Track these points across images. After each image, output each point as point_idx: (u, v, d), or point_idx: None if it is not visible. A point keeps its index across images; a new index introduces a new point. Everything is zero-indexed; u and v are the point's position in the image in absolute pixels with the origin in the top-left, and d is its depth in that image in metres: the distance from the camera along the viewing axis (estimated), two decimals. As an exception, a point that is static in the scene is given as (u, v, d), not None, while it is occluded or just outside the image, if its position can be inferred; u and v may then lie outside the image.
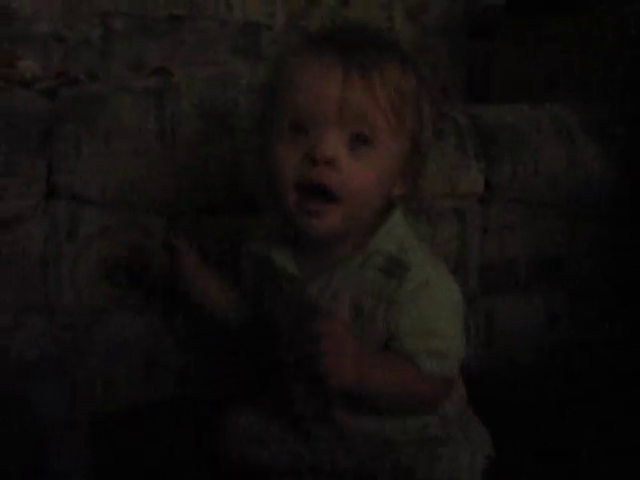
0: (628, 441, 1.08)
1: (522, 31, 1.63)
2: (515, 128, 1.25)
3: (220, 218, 1.10)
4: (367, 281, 0.79)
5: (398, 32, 1.77)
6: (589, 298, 1.30)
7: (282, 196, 0.77)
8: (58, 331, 1.08)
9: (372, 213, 0.80)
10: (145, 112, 1.08)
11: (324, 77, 0.74)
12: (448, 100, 1.67)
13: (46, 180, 1.04)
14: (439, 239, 1.20)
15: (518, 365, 1.25)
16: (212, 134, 1.08)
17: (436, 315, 0.79)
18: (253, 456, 0.90)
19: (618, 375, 1.24)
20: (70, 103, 1.10)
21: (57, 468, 0.86)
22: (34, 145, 1.04)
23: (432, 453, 0.84)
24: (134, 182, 1.06)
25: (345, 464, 0.85)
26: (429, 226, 1.19)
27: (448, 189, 1.19)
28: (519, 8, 1.61)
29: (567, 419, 1.15)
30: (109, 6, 1.60)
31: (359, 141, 0.75)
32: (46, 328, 1.08)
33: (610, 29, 1.46)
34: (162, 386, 1.12)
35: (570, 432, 1.11)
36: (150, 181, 1.06)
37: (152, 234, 1.07)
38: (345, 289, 0.80)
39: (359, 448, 0.84)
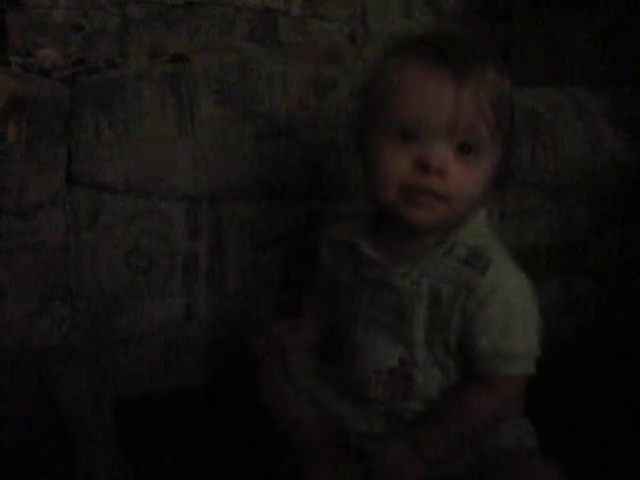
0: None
1: (541, 14, 1.62)
2: (535, 111, 1.24)
3: (239, 204, 1.10)
4: (448, 270, 0.81)
5: (415, 17, 1.77)
6: (612, 285, 1.29)
7: (385, 192, 0.79)
8: (80, 318, 1.09)
9: (469, 212, 0.83)
10: (163, 98, 1.07)
11: (437, 89, 0.76)
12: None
13: (66, 167, 1.05)
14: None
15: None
16: (231, 119, 1.08)
17: (514, 313, 0.80)
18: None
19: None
20: (89, 90, 1.09)
21: (81, 454, 0.87)
22: (54, 133, 1.04)
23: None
24: (153, 169, 1.06)
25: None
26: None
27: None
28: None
29: (586, 406, 1.14)
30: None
31: (465, 150, 0.78)
32: (68, 314, 1.09)
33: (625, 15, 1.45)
34: (185, 372, 1.13)
35: (587, 418, 1.10)
36: (169, 167, 1.06)
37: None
38: (426, 277, 0.82)
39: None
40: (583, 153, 1.22)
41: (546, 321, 1.26)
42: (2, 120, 0.98)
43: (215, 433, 1.04)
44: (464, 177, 0.78)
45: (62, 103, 1.07)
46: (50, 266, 1.07)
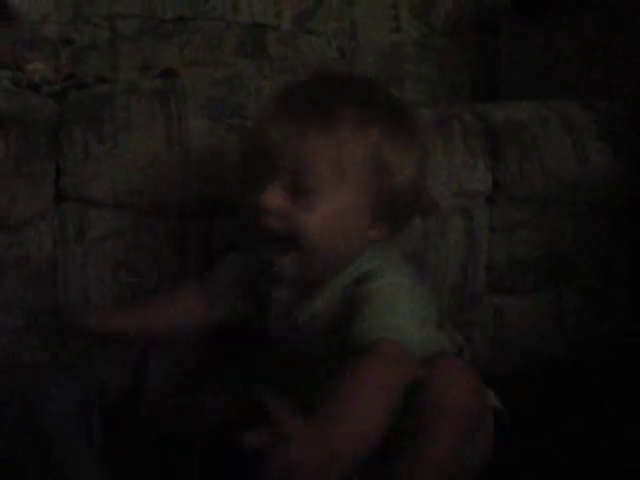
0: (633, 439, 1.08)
1: (527, 27, 1.63)
2: (522, 126, 1.25)
3: (228, 219, 1.10)
4: (341, 292, 0.85)
5: (404, 31, 1.78)
6: (599, 297, 1.30)
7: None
8: (67, 332, 1.09)
9: (344, 252, 0.85)
10: (152, 113, 1.08)
11: (269, 131, 0.82)
12: (457, 99, 1.68)
13: (55, 182, 1.05)
14: (447, 238, 1.20)
15: (525, 364, 1.25)
16: (219, 134, 1.09)
17: (391, 313, 0.79)
18: None
19: (628, 374, 1.24)
20: (78, 106, 1.10)
21: (67, 471, 0.87)
22: (43, 148, 1.04)
23: None
24: (142, 184, 1.06)
25: None
26: (437, 225, 1.19)
27: (456, 188, 1.19)
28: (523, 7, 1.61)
29: (574, 418, 1.15)
30: (116, 9, 1.61)
31: (302, 191, 0.80)
32: (56, 329, 1.09)
33: (612, 27, 1.47)
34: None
35: (576, 429, 1.11)
36: (158, 182, 1.06)
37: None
38: (324, 308, 0.86)
39: None
40: (570, 167, 1.23)
41: (535, 334, 1.28)
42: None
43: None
44: (303, 216, 0.81)
45: (50, 118, 1.08)
46: (38, 280, 1.07)
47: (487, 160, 1.21)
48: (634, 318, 1.30)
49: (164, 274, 1.09)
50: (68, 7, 1.59)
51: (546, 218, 1.24)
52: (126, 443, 1.00)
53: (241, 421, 0.90)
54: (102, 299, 1.09)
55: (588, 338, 1.31)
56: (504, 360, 1.25)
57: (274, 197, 0.81)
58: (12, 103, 1.09)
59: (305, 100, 0.83)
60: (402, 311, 0.80)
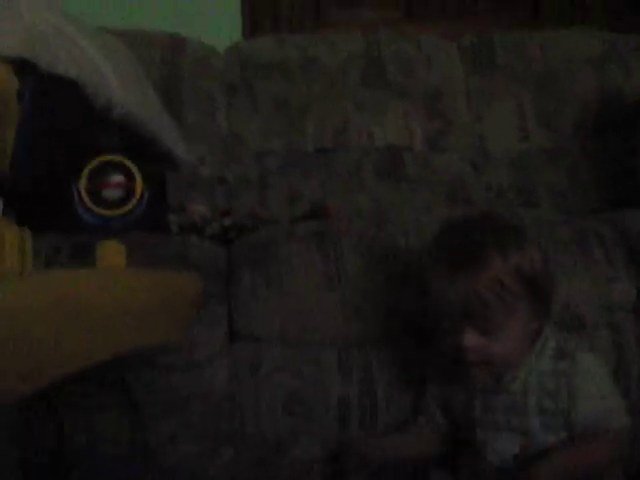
0: None
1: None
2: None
3: (387, 347, 1.19)
4: (544, 367, 1.06)
5: (532, 140, 1.84)
6: None
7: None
8: (244, 461, 1.19)
9: (522, 352, 1.06)
10: (311, 255, 1.19)
11: (444, 292, 1.02)
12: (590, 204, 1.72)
13: (227, 324, 1.17)
14: (596, 351, 1.23)
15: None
16: (372, 270, 1.18)
17: (601, 385, 1.06)
18: None
19: None
20: (243, 251, 1.23)
21: None
22: (215, 293, 1.17)
23: None
24: (306, 320, 1.16)
25: None
26: (584, 341, 1.22)
27: (602, 301, 1.23)
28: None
29: None
30: (263, 147, 1.76)
31: (490, 328, 1.01)
32: (234, 457, 1.19)
33: None
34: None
35: None
36: (320, 318, 1.16)
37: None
38: (529, 383, 1.06)
39: None
40: None
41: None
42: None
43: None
44: (496, 347, 1.02)
45: (220, 265, 1.21)
46: (217, 413, 1.18)
47: (630, 271, 1.25)
48: None
49: (330, 404, 1.18)
50: (220, 149, 1.75)
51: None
52: None
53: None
54: (274, 429, 1.18)
55: None
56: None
57: (472, 339, 1.01)
58: (186, 253, 1.23)
59: (459, 248, 1.03)
60: (610, 390, 1.06)
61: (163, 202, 1.41)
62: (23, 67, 1.08)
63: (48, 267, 1.13)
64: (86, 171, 1.22)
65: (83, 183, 1.22)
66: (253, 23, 2.14)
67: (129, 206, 1.15)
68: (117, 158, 1.23)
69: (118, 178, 1.22)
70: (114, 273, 0.94)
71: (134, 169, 1.14)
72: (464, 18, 2.28)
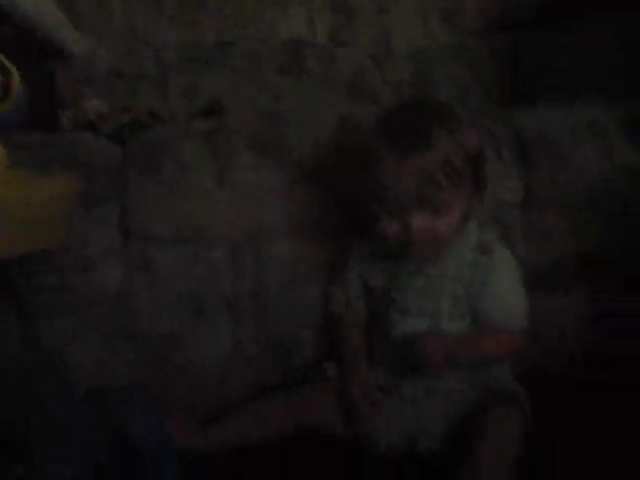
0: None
1: (556, 28, 1.67)
2: (550, 134, 1.31)
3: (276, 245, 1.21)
4: (465, 256, 1.09)
5: (435, 36, 1.83)
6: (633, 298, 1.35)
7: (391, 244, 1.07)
8: (142, 357, 1.20)
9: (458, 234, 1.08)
10: (202, 154, 1.18)
11: (399, 175, 1.01)
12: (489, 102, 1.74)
13: (120, 223, 1.16)
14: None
15: (560, 363, 1.32)
16: (264, 168, 1.19)
17: (513, 284, 1.12)
18: None
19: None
20: (138, 151, 1.21)
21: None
22: (108, 193, 1.15)
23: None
24: (197, 220, 1.16)
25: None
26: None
27: (491, 197, 1.27)
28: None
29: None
30: (161, 40, 1.71)
31: (437, 208, 1.02)
32: (133, 354, 1.20)
33: None
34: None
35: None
36: (211, 218, 1.17)
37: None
38: (448, 270, 1.09)
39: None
40: (599, 172, 1.28)
41: (567, 334, 1.34)
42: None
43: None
44: (443, 227, 1.04)
45: (113, 165, 1.19)
46: (112, 311, 1.18)
47: (519, 169, 1.28)
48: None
49: (222, 300, 1.20)
50: (117, 42, 1.69)
51: (577, 223, 1.30)
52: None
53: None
54: (169, 325, 1.20)
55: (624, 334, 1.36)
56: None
57: (421, 219, 1.02)
58: (79, 153, 1.20)
59: (408, 131, 1.02)
60: (520, 291, 1.12)
61: (51, 98, 1.35)
62: None
63: None
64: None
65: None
66: None
67: (6, 104, 1.09)
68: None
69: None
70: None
71: (9, 64, 1.08)
72: None
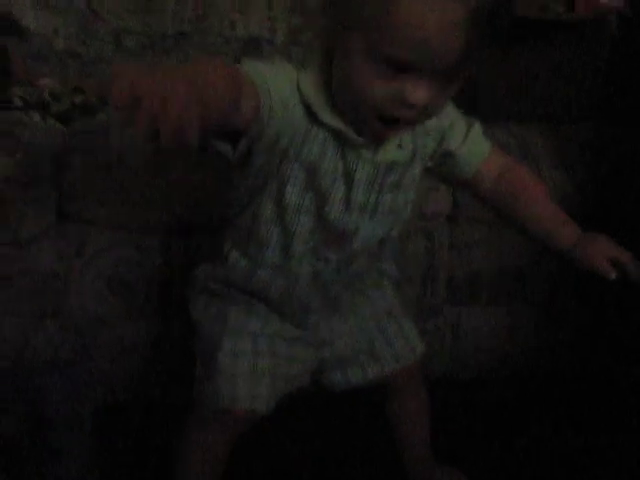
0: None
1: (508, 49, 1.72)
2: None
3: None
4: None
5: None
6: (551, 310, 1.42)
7: (356, 112, 0.82)
8: (67, 335, 1.24)
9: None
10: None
11: (443, 31, 0.73)
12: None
13: (56, 205, 1.20)
14: (409, 255, 1.33)
15: (481, 372, 1.39)
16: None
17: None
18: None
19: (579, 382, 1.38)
20: (79, 135, 1.24)
21: (64, 460, 1.02)
22: (47, 175, 1.18)
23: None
24: (131, 206, 1.20)
25: None
26: (399, 243, 1.31)
27: (417, 210, 1.32)
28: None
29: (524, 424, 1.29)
30: (121, 24, 1.73)
31: (442, 83, 0.79)
32: (58, 332, 1.24)
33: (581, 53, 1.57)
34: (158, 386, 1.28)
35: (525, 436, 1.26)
36: (145, 204, 1.20)
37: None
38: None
39: None
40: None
41: (489, 344, 1.41)
42: None
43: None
44: (436, 104, 0.81)
45: (55, 146, 1.21)
46: (42, 289, 1.22)
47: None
48: (581, 328, 1.42)
49: (152, 285, 1.24)
50: (75, 22, 1.71)
51: (500, 236, 1.36)
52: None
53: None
54: (97, 306, 1.23)
55: (541, 348, 1.44)
56: (461, 367, 1.39)
57: (429, 93, 0.78)
58: (22, 135, 1.22)
59: None
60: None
61: (2, 74, 1.37)
62: None
63: None
64: None
65: None
66: None
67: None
68: None
69: None
70: None
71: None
72: None
